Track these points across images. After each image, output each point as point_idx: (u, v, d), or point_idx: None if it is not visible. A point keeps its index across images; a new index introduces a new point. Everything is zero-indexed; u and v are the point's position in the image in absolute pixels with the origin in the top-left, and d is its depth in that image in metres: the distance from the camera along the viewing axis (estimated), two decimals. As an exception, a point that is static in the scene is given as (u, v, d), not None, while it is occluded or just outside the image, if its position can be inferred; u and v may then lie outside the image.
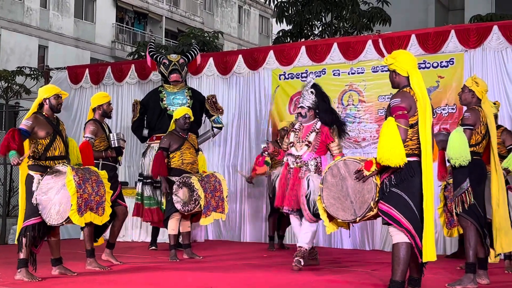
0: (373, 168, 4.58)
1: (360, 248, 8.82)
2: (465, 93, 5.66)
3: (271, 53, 9.81)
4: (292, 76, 9.68)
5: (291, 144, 6.74)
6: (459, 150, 5.30)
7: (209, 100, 9.03)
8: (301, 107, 6.74)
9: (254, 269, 6.65)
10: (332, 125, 6.73)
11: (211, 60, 10.31)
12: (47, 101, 5.87)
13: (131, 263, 7.00)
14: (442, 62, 8.60)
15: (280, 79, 9.74)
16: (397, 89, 4.81)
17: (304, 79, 9.52)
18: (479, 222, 5.38)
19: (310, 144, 6.62)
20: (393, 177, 4.55)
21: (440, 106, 8.51)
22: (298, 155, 6.63)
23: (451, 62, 8.56)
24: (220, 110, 9.06)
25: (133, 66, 10.85)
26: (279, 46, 10.62)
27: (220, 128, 9.20)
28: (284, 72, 9.72)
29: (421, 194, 4.53)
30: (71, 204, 5.50)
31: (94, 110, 6.90)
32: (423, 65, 8.48)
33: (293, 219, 6.76)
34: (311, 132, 6.66)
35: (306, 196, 6.37)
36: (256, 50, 10.70)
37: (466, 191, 5.35)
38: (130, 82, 10.81)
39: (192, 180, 7.22)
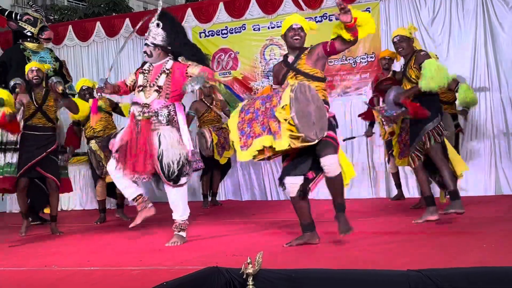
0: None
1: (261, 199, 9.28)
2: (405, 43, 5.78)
3: (189, 11, 9.72)
4: (212, 33, 9.65)
5: (140, 89, 5.37)
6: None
7: (64, 65, 8.23)
8: (146, 44, 5.34)
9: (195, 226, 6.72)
10: (192, 60, 5.36)
11: (127, 20, 10.16)
12: None
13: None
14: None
15: (200, 37, 9.68)
16: None
17: (224, 36, 9.53)
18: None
19: (160, 90, 5.29)
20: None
21: (359, 56, 8.74)
22: (146, 103, 5.29)
23: (367, 11, 8.74)
24: (71, 78, 8.31)
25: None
26: (197, 3, 10.44)
27: (74, 96, 8.04)
28: (204, 30, 9.67)
29: None
30: None
31: None
32: (341, 16, 8.65)
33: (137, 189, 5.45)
34: (161, 74, 5.32)
35: (158, 157, 5.17)
36: (174, 9, 10.59)
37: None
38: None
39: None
